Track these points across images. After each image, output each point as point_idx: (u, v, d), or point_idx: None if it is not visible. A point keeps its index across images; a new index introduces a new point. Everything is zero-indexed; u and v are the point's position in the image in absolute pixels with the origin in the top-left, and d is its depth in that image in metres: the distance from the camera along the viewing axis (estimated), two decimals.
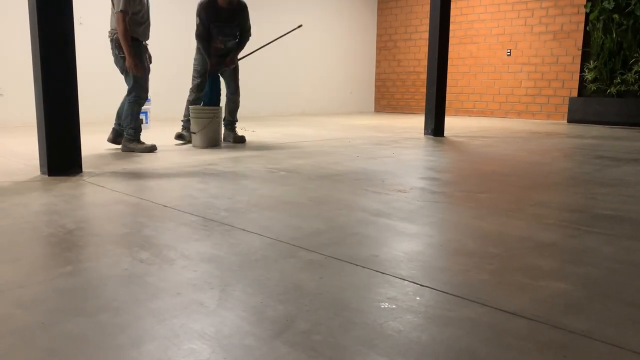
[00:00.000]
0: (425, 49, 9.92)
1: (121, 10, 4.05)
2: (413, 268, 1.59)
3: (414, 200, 2.52)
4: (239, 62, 5.26)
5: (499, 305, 1.31)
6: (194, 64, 5.14)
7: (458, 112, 10.23)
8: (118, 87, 7.09)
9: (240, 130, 5.96)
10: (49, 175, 3.06)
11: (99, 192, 2.66)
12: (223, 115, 5.16)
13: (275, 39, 5.50)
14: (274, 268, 1.57)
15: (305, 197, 2.57)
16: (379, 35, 11.51)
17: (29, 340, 1.11)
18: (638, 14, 7.59)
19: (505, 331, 1.18)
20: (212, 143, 4.66)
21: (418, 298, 1.36)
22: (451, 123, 7.77)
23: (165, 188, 2.77)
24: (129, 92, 4.40)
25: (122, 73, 4.40)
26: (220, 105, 5.07)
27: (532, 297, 1.37)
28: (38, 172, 3.15)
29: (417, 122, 7.88)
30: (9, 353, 1.06)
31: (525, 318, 1.24)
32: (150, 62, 4.53)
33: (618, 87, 7.90)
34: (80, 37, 5.29)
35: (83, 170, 3.22)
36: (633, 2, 7.64)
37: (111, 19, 4.28)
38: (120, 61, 4.31)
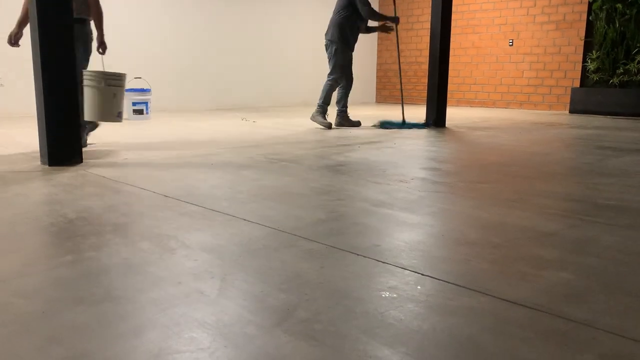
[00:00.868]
0: (427, 39, 9.86)
1: None
2: (414, 257, 1.58)
3: (415, 191, 2.52)
4: None
5: (501, 294, 1.31)
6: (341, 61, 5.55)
7: (460, 103, 10.19)
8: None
9: (243, 120, 6.00)
10: (50, 165, 3.06)
11: (99, 182, 2.65)
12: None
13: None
14: (275, 257, 1.56)
15: (306, 187, 2.56)
16: None
17: (29, 329, 1.11)
18: None
19: (507, 320, 1.17)
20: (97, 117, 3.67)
21: (419, 287, 1.36)
22: (453, 113, 7.74)
23: (166, 178, 2.76)
24: None
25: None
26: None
27: (533, 286, 1.37)
28: (38, 162, 3.15)
29: (418, 112, 7.86)
30: (10, 341, 1.06)
31: (527, 307, 1.24)
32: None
33: (621, 77, 7.86)
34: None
35: (83, 160, 3.21)
36: None
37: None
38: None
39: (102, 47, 4.04)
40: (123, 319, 1.16)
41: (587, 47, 8.44)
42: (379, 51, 11.56)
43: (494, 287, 1.35)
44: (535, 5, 9.03)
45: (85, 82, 3.58)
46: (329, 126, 5.46)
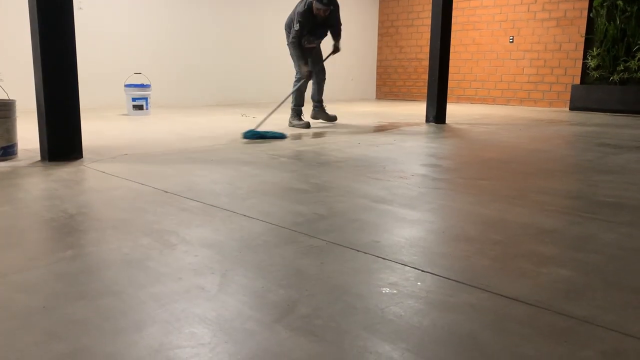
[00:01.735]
0: (427, 35, 9.84)
1: None
2: (414, 254, 1.59)
3: (415, 187, 2.52)
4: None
5: (501, 290, 1.31)
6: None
7: (460, 100, 10.19)
8: (119, 73, 7.07)
9: (243, 116, 6.00)
10: (50, 160, 3.05)
11: (100, 177, 2.65)
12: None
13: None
14: (275, 253, 1.57)
15: (306, 184, 2.56)
16: (380, 22, 11.44)
17: (30, 324, 1.11)
18: None
19: (507, 316, 1.18)
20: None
21: (419, 283, 1.36)
22: (453, 110, 7.74)
23: (166, 174, 2.76)
24: None
25: None
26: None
27: (533, 283, 1.37)
28: (38, 157, 3.15)
29: (418, 109, 7.85)
30: (10, 336, 1.06)
31: (527, 304, 1.24)
32: None
33: (621, 74, 7.85)
34: (79, 22, 5.25)
35: (83, 155, 3.21)
36: None
37: None
38: None
39: None
40: (124, 314, 1.16)
41: (588, 44, 8.43)
42: (379, 48, 11.54)
43: (494, 284, 1.36)
44: (535, 2, 9.02)
45: None
46: (307, 126, 5.30)
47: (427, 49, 10.09)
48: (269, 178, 2.69)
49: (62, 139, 3.11)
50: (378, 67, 11.62)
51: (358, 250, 1.60)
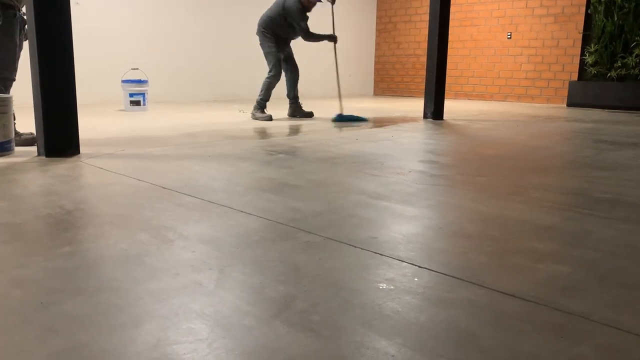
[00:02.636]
0: (426, 32, 9.84)
1: None
2: (411, 250, 1.59)
3: (412, 183, 2.52)
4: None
5: (498, 287, 1.32)
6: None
7: (457, 96, 10.19)
8: (116, 68, 7.05)
9: (240, 112, 6.06)
10: (47, 156, 3.05)
11: (97, 173, 2.65)
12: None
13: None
14: (273, 249, 1.57)
15: (303, 180, 2.56)
16: (378, 17, 11.42)
17: (28, 320, 1.11)
18: None
19: (504, 312, 1.18)
20: None
21: (416, 279, 1.36)
22: (451, 106, 7.74)
23: (163, 170, 2.76)
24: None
25: None
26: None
27: (530, 279, 1.37)
28: (35, 153, 3.14)
29: (416, 105, 7.86)
30: (8, 332, 1.06)
31: (524, 300, 1.25)
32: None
33: (619, 70, 7.86)
34: (76, 17, 5.21)
35: (81, 151, 3.20)
36: None
37: None
38: None
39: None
40: (121, 309, 1.16)
41: (586, 41, 8.43)
42: (377, 43, 11.53)
43: (491, 280, 1.36)
44: None
45: None
46: (269, 118, 5.53)
47: (425, 45, 10.09)
48: (266, 174, 2.69)
49: (59, 134, 3.10)
50: (376, 63, 11.61)
51: (355, 247, 1.60)
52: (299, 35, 5.66)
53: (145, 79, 6.69)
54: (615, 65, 7.90)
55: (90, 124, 4.77)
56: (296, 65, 5.88)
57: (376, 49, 11.55)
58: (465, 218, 1.94)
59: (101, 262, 1.45)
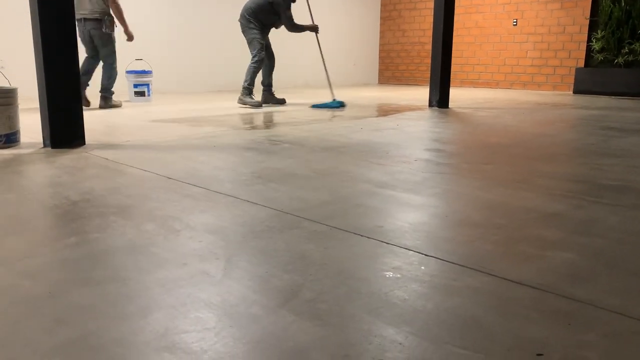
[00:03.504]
0: (430, 19, 9.76)
1: None
2: (418, 238, 1.59)
3: (418, 172, 2.51)
4: None
5: (504, 274, 1.31)
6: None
7: (463, 84, 10.13)
8: (120, 59, 7.03)
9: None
10: (52, 147, 3.06)
11: (102, 164, 2.65)
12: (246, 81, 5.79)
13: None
14: (279, 239, 1.57)
15: (309, 169, 2.56)
16: (383, 5, 11.34)
17: (36, 310, 1.12)
18: None
19: (510, 300, 1.18)
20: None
21: (423, 267, 1.36)
22: (456, 94, 7.70)
23: (168, 160, 2.76)
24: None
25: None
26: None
27: (537, 266, 1.37)
28: (41, 145, 3.15)
29: (421, 93, 7.82)
30: (17, 322, 1.07)
31: (531, 287, 1.24)
32: None
33: (626, 57, 7.78)
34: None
35: (86, 142, 3.21)
36: None
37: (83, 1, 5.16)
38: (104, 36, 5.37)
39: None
40: (129, 299, 1.17)
41: (592, 27, 8.35)
42: (381, 32, 11.46)
43: (498, 268, 1.36)
44: None
45: None
46: (259, 105, 5.76)
47: (430, 33, 10.01)
48: (271, 164, 2.68)
49: (64, 126, 3.11)
50: (380, 51, 11.55)
51: (362, 235, 1.60)
52: (282, 24, 5.82)
53: (149, 69, 6.68)
54: (622, 51, 7.82)
55: (95, 115, 4.78)
56: (273, 54, 6.10)
57: (381, 37, 11.48)
58: (472, 206, 1.94)
59: (108, 253, 1.46)
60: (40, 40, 2.96)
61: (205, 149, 3.11)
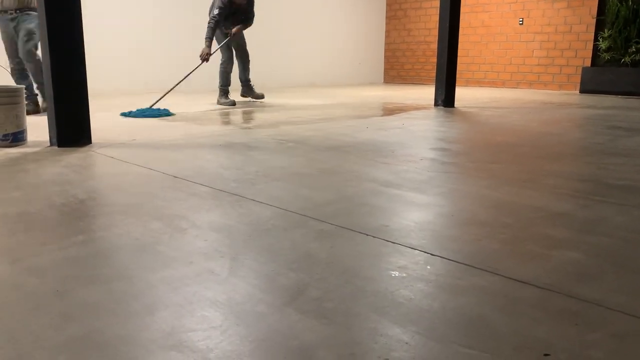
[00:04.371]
0: (436, 18, 9.73)
1: None
2: (423, 237, 1.58)
3: (424, 171, 2.51)
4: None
5: (511, 274, 1.31)
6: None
7: (469, 83, 10.10)
8: (127, 58, 7.06)
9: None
10: (59, 146, 3.07)
11: (109, 163, 2.66)
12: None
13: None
14: (285, 237, 1.57)
15: (314, 168, 2.56)
16: (388, 4, 11.32)
17: (44, 307, 1.13)
18: None
19: (517, 299, 1.17)
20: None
21: (429, 267, 1.36)
22: (462, 94, 7.68)
23: (175, 159, 2.77)
24: None
25: None
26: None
27: (544, 266, 1.37)
28: (48, 143, 3.16)
29: (427, 92, 7.80)
30: (24, 319, 1.08)
31: (537, 287, 1.24)
32: None
33: (633, 56, 7.74)
34: (86, 8, 5.22)
35: (92, 141, 3.22)
36: None
37: None
38: None
39: None
40: (136, 297, 1.17)
41: (599, 26, 8.30)
42: (387, 31, 11.44)
43: (504, 267, 1.35)
44: None
45: None
46: (233, 104, 5.90)
47: (435, 32, 9.97)
48: (277, 163, 2.69)
49: (71, 124, 3.12)
50: (386, 50, 11.53)
51: (367, 234, 1.60)
52: (231, 25, 5.91)
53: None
54: (629, 50, 7.77)
55: (102, 114, 4.80)
56: (246, 51, 6.20)
57: (386, 37, 11.47)
58: (478, 205, 1.93)
59: (115, 251, 1.46)
60: (47, 40, 2.97)
61: (210, 147, 3.12)
